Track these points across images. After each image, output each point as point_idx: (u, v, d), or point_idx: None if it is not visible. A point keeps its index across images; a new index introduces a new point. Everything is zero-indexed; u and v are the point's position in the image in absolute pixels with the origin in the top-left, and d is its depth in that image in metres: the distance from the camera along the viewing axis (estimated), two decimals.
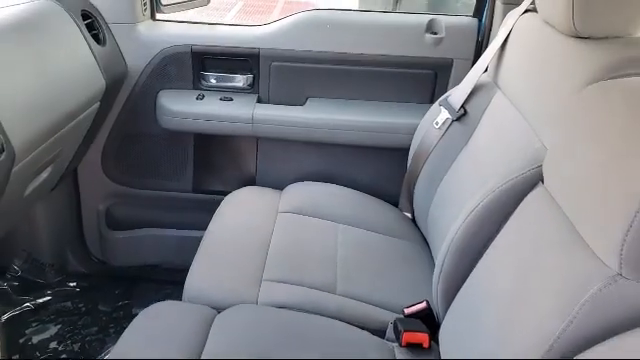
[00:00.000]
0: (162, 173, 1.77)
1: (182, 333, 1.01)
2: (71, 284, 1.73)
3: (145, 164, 1.76)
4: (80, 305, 1.66)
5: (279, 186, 1.62)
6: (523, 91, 1.18)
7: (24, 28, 1.23)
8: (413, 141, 1.55)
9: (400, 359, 1.03)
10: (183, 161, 1.76)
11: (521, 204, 0.93)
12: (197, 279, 1.20)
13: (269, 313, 1.10)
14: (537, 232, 0.85)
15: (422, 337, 1.02)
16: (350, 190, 1.63)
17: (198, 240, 1.35)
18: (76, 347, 1.51)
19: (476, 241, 1.00)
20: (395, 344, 1.07)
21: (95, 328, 1.58)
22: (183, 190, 1.79)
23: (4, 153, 1.01)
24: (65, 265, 1.78)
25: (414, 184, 1.52)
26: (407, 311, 1.11)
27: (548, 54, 1.12)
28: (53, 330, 1.56)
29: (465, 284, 0.99)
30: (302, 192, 1.59)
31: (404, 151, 1.58)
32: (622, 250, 0.65)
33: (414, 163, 1.52)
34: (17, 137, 1.06)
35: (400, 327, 1.04)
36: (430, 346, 1.04)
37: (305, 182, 1.64)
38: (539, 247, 0.82)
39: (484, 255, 0.96)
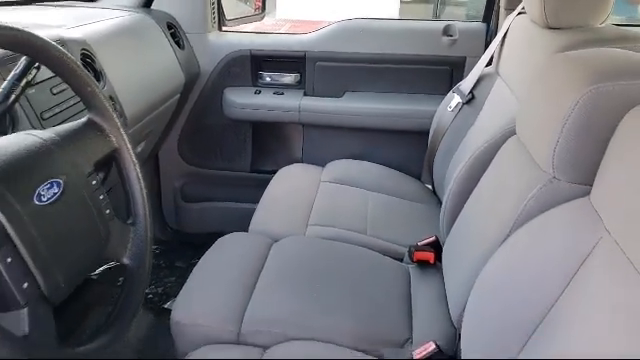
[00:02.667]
0: (226, 155, 2.15)
1: (248, 252, 1.36)
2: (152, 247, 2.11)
3: (212, 148, 2.15)
4: (160, 262, 2.04)
5: (321, 164, 1.97)
6: (514, 74, 1.50)
7: (129, 33, 1.64)
8: (432, 124, 1.87)
9: (412, 274, 1.35)
10: (243, 145, 2.14)
11: (499, 151, 1.25)
12: (260, 218, 1.56)
13: (314, 242, 1.44)
14: (506, 167, 1.17)
15: (429, 255, 1.34)
16: (380, 166, 1.96)
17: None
18: (160, 290, 1.88)
19: (469, 184, 1.31)
20: (410, 265, 1.39)
21: (173, 278, 1.95)
22: (242, 170, 2.16)
23: (121, 119, 1.40)
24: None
25: (433, 159, 1.83)
26: (420, 243, 1.43)
27: (530, 44, 1.44)
28: None
29: (459, 215, 1.30)
30: (340, 167, 1.93)
31: (425, 134, 1.90)
32: (554, 159, 0.96)
33: (432, 142, 1.84)
34: (128, 109, 1.43)
35: (412, 249, 1.37)
36: (435, 264, 1.35)
37: (342, 160, 1.99)
38: (506, 176, 1.14)
39: (472, 192, 1.28)
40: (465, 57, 1.96)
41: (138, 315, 1.59)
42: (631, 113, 0.81)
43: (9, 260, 0.65)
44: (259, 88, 2.07)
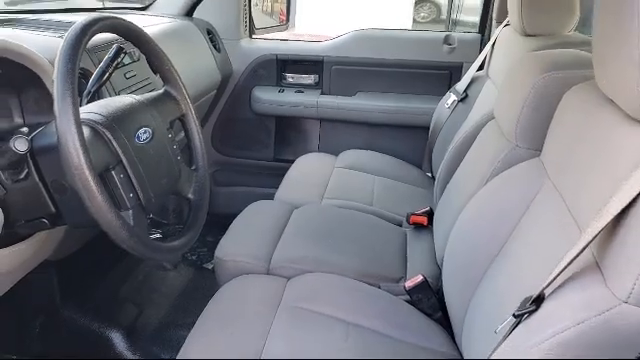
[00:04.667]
0: (252, 146, 2.46)
1: (274, 213, 1.66)
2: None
3: (241, 139, 2.46)
4: None
5: (335, 154, 2.26)
6: (499, 74, 1.79)
7: (176, 37, 1.96)
8: (432, 119, 2.16)
9: (409, 235, 1.64)
10: (267, 137, 2.45)
11: (480, 132, 1.53)
12: (283, 192, 1.86)
13: (328, 207, 1.74)
14: (484, 142, 1.45)
15: (422, 219, 1.63)
16: (386, 156, 2.26)
17: None
18: (194, 258, 2.18)
19: (457, 159, 1.60)
20: (407, 229, 1.68)
21: (205, 249, 2.24)
22: (266, 159, 2.47)
23: None
24: (181, 212, 2.48)
25: (432, 150, 2.13)
26: (416, 212, 1.72)
27: (511, 49, 1.74)
28: None
29: (448, 184, 1.59)
30: (351, 156, 2.22)
31: (426, 128, 2.19)
32: (516, 131, 1.24)
33: (432, 135, 2.13)
34: None
35: (409, 215, 1.66)
36: (428, 227, 1.64)
37: (354, 150, 2.29)
38: (483, 148, 1.42)
39: (459, 165, 1.56)
40: (462, 63, 2.26)
41: (183, 268, 1.89)
42: (568, 93, 1.09)
43: (121, 176, 0.96)
44: (282, 87, 2.39)
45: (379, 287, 1.37)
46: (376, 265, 1.44)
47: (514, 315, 0.77)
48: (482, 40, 2.25)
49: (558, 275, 0.73)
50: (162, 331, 1.57)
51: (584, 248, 0.70)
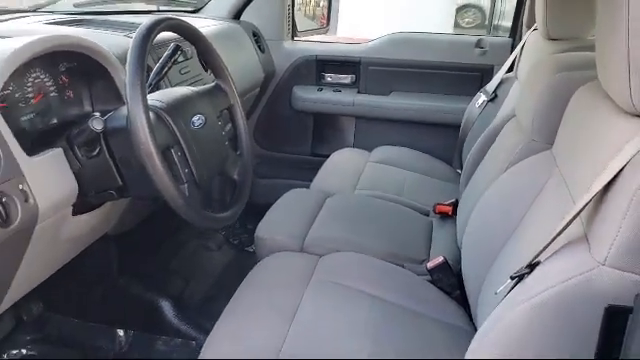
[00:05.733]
0: (291, 141, 2.62)
1: (309, 199, 1.80)
2: None
3: (281, 134, 2.62)
4: (236, 224, 2.49)
5: (369, 149, 2.40)
6: (525, 74, 1.89)
7: (225, 37, 2.13)
8: (463, 118, 2.27)
9: (434, 223, 1.76)
10: (305, 133, 2.61)
11: (502, 128, 1.64)
12: (318, 182, 2.01)
13: (359, 196, 1.88)
14: (505, 138, 1.56)
15: (447, 208, 1.75)
16: (418, 152, 2.38)
17: None
18: (236, 242, 2.35)
19: (481, 157, 1.71)
20: (433, 218, 1.80)
21: (246, 235, 2.41)
22: (304, 153, 2.63)
23: None
24: (224, 194, 2.64)
25: (462, 147, 2.23)
26: (443, 203, 1.84)
27: (537, 51, 1.84)
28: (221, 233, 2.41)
29: (470, 180, 1.70)
30: (384, 152, 2.35)
31: (457, 127, 2.30)
32: (532, 126, 1.35)
33: (462, 133, 2.24)
34: None
35: (435, 205, 1.78)
36: (452, 216, 1.75)
37: (387, 146, 2.41)
38: (504, 143, 1.53)
39: (483, 158, 1.68)
40: (493, 65, 2.36)
41: (227, 250, 2.06)
42: (577, 92, 1.20)
43: (179, 154, 1.12)
44: (321, 86, 2.54)
45: (403, 267, 1.50)
46: (401, 247, 1.57)
47: (511, 277, 0.89)
48: (513, 44, 2.35)
49: (550, 243, 0.85)
50: (205, 303, 1.74)
51: (573, 219, 0.81)
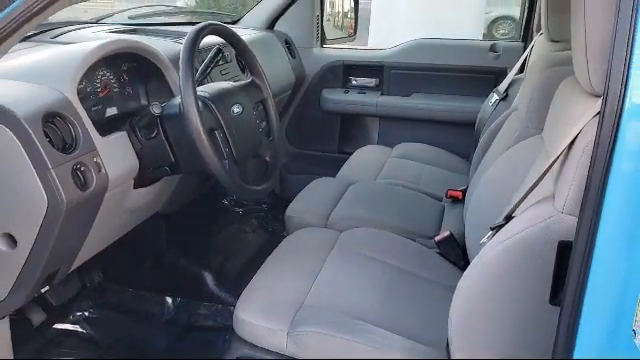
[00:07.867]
0: (319, 140, 2.86)
1: (334, 185, 2.02)
2: (263, 205, 2.82)
3: (310, 134, 2.86)
4: (269, 215, 2.72)
5: (391, 147, 2.60)
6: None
7: (261, 45, 2.37)
8: (478, 116, 2.46)
9: (446, 207, 1.95)
10: (332, 132, 2.84)
11: (505, 121, 1.83)
12: (343, 172, 2.23)
13: (379, 183, 2.10)
14: (506, 128, 1.75)
15: (458, 193, 1.94)
16: (437, 148, 2.57)
17: None
18: (270, 229, 2.57)
19: (488, 146, 1.90)
20: (445, 202, 1.99)
21: (279, 224, 2.63)
22: (331, 151, 2.86)
23: None
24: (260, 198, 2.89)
25: (477, 143, 2.42)
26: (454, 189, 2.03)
27: (540, 51, 2.02)
28: (257, 220, 2.64)
29: (476, 171, 1.89)
30: (405, 148, 2.55)
31: (473, 124, 2.48)
32: (527, 114, 1.54)
33: (477, 130, 2.42)
34: None
35: (448, 190, 1.97)
36: (463, 200, 1.94)
37: (408, 143, 2.61)
38: (505, 133, 1.72)
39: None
40: (506, 68, 2.54)
41: (261, 234, 2.29)
42: (562, 83, 1.38)
43: (221, 135, 1.36)
44: (347, 89, 2.77)
45: (414, 240, 1.70)
46: (414, 224, 1.77)
47: (491, 228, 1.09)
48: (524, 47, 2.53)
49: (523, 199, 1.05)
50: (241, 275, 1.97)
51: (542, 176, 1.01)
